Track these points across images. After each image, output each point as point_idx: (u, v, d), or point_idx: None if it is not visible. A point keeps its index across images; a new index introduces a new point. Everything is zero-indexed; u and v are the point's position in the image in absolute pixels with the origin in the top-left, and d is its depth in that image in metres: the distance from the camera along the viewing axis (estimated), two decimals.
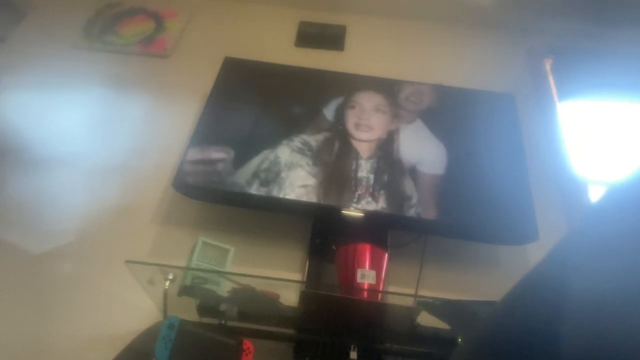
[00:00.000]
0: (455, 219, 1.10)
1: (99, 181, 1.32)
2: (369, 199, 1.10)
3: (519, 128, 1.27)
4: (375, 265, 1.06)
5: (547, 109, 1.53)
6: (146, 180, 1.31)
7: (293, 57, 1.59)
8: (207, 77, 1.34)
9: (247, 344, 0.84)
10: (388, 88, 1.33)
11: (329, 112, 1.26)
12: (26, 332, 1.06)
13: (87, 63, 1.58)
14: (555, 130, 1.47)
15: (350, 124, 1.23)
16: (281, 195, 1.09)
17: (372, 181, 1.13)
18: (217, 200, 1.19)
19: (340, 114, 1.26)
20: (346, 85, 1.33)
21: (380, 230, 1.13)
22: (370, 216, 1.09)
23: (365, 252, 1.07)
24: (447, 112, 1.31)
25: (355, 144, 1.20)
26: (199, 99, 1.40)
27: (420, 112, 1.28)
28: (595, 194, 1.33)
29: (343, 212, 1.09)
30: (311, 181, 1.12)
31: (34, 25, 1.71)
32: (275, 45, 1.68)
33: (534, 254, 1.17)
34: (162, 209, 1.26)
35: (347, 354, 0.90)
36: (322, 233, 1.17)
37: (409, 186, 1.13)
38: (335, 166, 1.15)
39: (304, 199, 1.09)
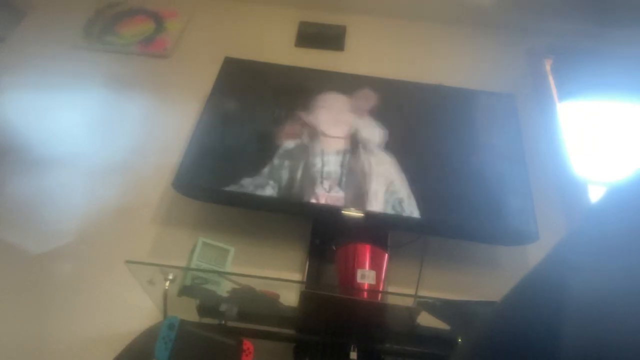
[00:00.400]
0: (455, 220, 1.10)
1: (99, 181, 1.31)
2: (337, 195, 1.10)
3: (519, 128, 1.27)
4: (375, 265, 1.06)
5: (547, 109, 1.53)
6: (146, 180, 1.31)
7: (293, 57, 1.59)
8: (207, 77, 1.34)
9: (247, 344, 0.84)
10: (355, 88, 1.33)
11: (302, 109, 1.27)
12: (26, 332, 1.06)
13: (87, 63, 1.58)
14: (555, 130, 1.47)
15: (320, 121, 1.24)
16: (257, 192, 1.09)
17: (339, 176, 1.13)
18: (217, 201, 1.19)
19: (311, 112, 1.26)
20: (346, 86, 1.33)
21: (380, 231, 1.13)
22: (368, 217, 1.09)
23: (365, 252, 1.07)
24: (447, 111, 1.31)
25: (325, 140, 1.20)
26: (199, 99, 1.40)
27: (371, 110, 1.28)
28: (595, 194, 1.33)
29: (343, 212, 1.09)
30: (285, 178, 1.14)
31: (34, 25, 1.71)
32: (275, 45, 1.68)
33: (534, 254, 1.17)
34: (162, 209, 1.26)
35: (347, 354, 0.90)
36: (322, 233, 1.17)
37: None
38: (307, 163, 1.16)
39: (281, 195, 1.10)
